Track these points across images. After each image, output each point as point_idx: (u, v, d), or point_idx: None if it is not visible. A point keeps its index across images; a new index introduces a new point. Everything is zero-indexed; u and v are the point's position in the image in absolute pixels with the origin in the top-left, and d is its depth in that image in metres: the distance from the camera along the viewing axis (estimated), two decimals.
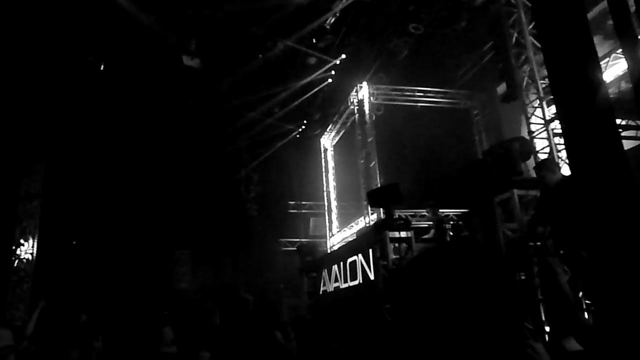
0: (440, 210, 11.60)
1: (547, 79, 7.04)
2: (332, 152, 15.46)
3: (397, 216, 8.01)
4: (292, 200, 16.47)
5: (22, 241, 9.45)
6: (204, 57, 10.87)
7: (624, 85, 7.26)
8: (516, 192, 6.09)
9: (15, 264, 9.25)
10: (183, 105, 12.55)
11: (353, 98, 12.63)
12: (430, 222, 8.66)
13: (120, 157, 12.54)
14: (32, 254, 9.52)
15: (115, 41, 10.20)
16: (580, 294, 4.80)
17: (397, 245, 7.61)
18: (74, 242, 12.53)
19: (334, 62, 12.41)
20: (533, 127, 7.83)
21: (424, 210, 9.69)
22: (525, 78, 8.05)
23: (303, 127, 15.44)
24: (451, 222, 9.30)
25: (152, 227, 13.06)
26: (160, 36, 10.24)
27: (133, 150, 12.62)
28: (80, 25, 9.48)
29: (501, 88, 9.65)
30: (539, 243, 5.37)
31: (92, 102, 11.11)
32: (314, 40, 11.42)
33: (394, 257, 7.46)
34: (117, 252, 12.36)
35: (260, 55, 11.60)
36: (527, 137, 7.58)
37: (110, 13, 9.45)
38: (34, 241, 9.60)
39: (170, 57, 10.78)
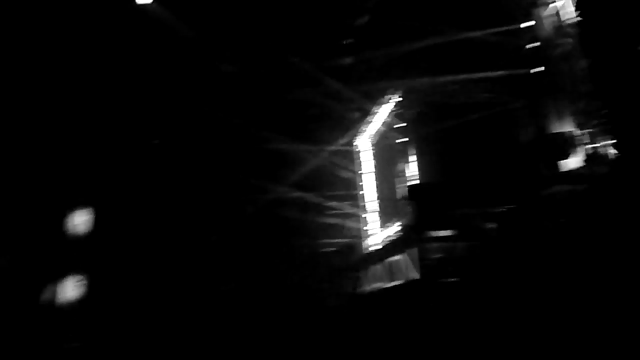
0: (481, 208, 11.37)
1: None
2: (370, 151, 15.39)
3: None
4: (329, 200, 16.45)
5: None
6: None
7: None
8: (562, 186, 5.93)
9: None
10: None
11: (390, 96, 12.57)
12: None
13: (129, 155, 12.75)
14: None
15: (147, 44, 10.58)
16: None
17: (439, 244, 7.55)
18: None
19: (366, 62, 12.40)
20: (579, 120, 7.55)
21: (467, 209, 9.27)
22: (570, 70, 7.79)
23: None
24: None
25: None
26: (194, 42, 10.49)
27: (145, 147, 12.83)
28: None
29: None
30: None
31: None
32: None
33: (437, 256, 7.41)
34: None
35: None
36: (574, 131, 7.34)
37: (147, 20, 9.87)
38: None
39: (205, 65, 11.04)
